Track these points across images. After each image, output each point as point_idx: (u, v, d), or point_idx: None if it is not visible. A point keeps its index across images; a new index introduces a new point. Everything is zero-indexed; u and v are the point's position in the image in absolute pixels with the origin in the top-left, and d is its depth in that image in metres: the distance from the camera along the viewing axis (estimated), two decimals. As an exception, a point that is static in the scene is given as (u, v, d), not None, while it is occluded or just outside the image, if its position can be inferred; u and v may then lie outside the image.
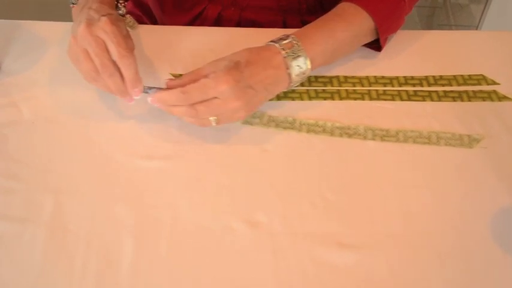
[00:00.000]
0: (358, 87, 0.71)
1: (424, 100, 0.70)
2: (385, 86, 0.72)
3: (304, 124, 0.66)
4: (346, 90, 0.71)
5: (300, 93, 0.70)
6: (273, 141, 0.65)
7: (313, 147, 0.64)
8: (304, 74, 0.64)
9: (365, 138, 0.65)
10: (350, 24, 0.68)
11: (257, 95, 0.61)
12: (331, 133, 0.66)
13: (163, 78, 0.70)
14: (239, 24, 0.82)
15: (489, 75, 0.73)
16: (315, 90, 0.71)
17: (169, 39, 0.76)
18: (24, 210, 0.57)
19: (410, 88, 0.72)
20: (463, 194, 0.61)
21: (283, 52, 0.62)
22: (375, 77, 0.73)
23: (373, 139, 0.65)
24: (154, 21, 0.90)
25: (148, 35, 0.77)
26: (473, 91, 0.72)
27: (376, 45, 0.73)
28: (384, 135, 0.66)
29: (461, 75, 0.73)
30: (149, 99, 0.61)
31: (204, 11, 0.81)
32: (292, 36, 0.64)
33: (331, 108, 0.69)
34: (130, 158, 0.62)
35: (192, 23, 0.83)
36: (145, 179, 0.61)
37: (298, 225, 0.58)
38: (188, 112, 0.60)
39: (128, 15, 0.76)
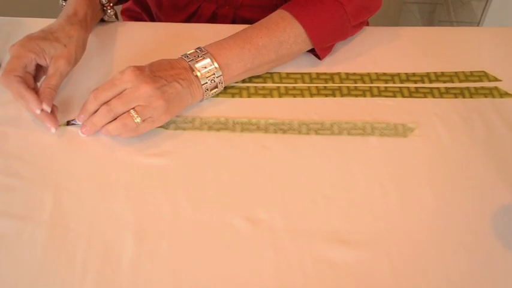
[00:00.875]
0: (359, 84, 0.71)
1: (425, 97, 0.70)
2: (386, 83, 0.71)
3: (237, 123, 0.66)
4: (348, 87, 0.71)
5: (302, 90, 0.70)
6: (274, 137, 0.65)
7: (313, 144, 0.64)
8: (214, 75, 0.65)
9: (299, 132, 0.65)
10: (270, 30, 0.68)
11: (170, 85, 0.62)
12: (266, 130, 0.65)
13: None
14: (234, 22, 0.83)
15: (491, 72, 0.73)
16: (316, 87, 0.71)
17: (167, 35, 0.76)
18: (25, 207, 0.57)
19: (411, 85, 0.71)
20: (465, 191, 0.61)
21: (187, 59, 0.65)
22: (376, 73, 0.72)
23: (308, 133, 0.65)
24: (153, 18, 0.91)
25: (146, 31, 0.77)
26: (474, 88, 0.71)
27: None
28: (318, 129, 0.66)
29: (463, 72, 0.73)
30: (79, 125, 0.63)
31: (199, 9, 0.82)
32: (198, 47, 0.66)
33: (333, 105, 0.69)
34: (130, 155, 0.62)
35: (187, 21, 0.84)
36: (145, 176, 0.61)
37: (299, 223, 0.57)
38: (104, 110, 0.60)
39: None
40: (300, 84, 0.71)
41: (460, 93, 0.71)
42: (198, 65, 0.64)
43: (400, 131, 0.66)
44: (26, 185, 0.59)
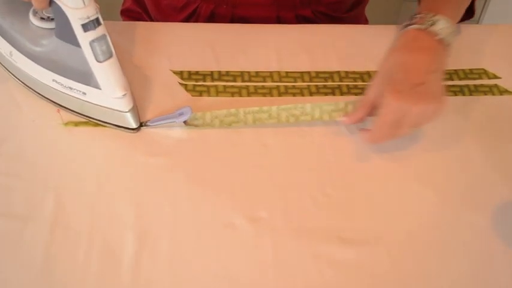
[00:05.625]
0: (359, 82, 0.71)
1: (425, 95, 0.70)
2: (386, 81, 0.71)
3: (248, 113, 0.65)
4: (347, 85, 0.71)
5: (301, 88, 0.70)
6: (273, 136, 0.65)
7: (313, 142, 0.64)
8: (454, 31, 0.63)
9: (312, 118, 0.65)
10: None
11: (430, 82, 0.59)
12: (278, 118, 0.65)
13: (163, 74, 0.70)
14: (232, 21, 0.82)
15: (490, 69, 0.73)
16: (316, 85, 0.71)
17: (167, 35, 0.76)
18: (26, 207, 0.57)
19: (411, 83, 0.71)
20: (465, 188, 0.61)
21: (418, 26, 0.62)
22: (375, 72, 0.72)
23: (321, 117, 0.65)
24: (152, 19, 0.91)
25: (147, 31, 0.77)
26: (474, 85, 0.71)
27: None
28: (332, 110, 0.65)
29: (463, 70, 0.73)
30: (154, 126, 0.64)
31: (197, 9, 0.82)
32: (418, 13, 0.64)
33: (332, 104, 0.69)
34: (131, 154, 0.62)
35: (185, 21, 0.84)
36: (146, 176, 0.61)
37: (299, 221, 0.58)
38: (390, 137, 0.61)
39: None
40: (299, 83, 0.71)
41: (460, 90, 0.71)
42: (435, 28, 0.62)
43: None
44: (27, 185, 0.59)
